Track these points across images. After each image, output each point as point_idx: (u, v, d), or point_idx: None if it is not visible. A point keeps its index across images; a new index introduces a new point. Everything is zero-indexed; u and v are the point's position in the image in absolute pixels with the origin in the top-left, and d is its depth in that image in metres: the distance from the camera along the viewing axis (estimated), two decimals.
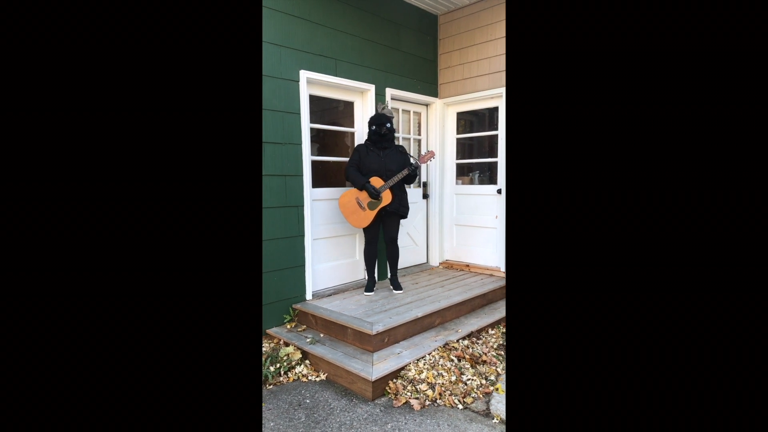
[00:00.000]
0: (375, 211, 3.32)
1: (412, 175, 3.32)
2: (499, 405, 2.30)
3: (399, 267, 4.29)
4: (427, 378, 2.49)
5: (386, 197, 3.30)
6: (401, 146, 3.50)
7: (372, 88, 3.82)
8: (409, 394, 2.39)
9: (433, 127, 4.56)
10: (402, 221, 3.85)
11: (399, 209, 3.36)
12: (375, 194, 3.27)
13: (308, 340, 2.96)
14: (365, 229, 3.45)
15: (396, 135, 4.24)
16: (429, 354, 2.72)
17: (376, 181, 3.30)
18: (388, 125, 3.33)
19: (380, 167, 3.31)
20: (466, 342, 2.97)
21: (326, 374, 2.70)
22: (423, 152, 4.50)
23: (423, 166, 4.52)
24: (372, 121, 3.38)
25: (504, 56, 3.88)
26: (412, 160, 3.42)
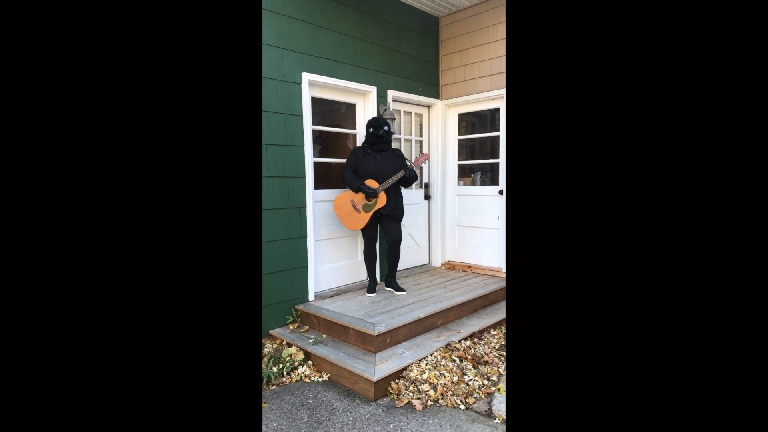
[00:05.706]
0: (369, 214, 3.34)
1: (409, 178, 3.33)
2: (501, 405, 2.31)
3: (401, 268, 4.30)
4: (429, 378, 2.49)
5: (381, 199, 3.32)
6: (398, 149, 3.52)
7: (374, 89, 3.84)
8: (411, 394, 2.40)
9: (434, 129, 4.57)
10: (402, 222, 3.86)
11: (394, 212, 3.37)
12: (371, 194, 3.28)
13: (311, 340, 2.97)
14: (363, 231, 3.48)
15: (397, 137, 4.26)
16: (431, 354, 2.73)
17: (371, 184, 3.32)
18: (386, 128, 3.36)
19: (377, 170, 3.33)
20: (468, 342, 2.98)
21: (329, 375, 2.71)
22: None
23: (424, 167, 4.54)
24: (370, 124, 3.41)
25: (505, 58, 3.89)
26: (407, 163, 3.44)
